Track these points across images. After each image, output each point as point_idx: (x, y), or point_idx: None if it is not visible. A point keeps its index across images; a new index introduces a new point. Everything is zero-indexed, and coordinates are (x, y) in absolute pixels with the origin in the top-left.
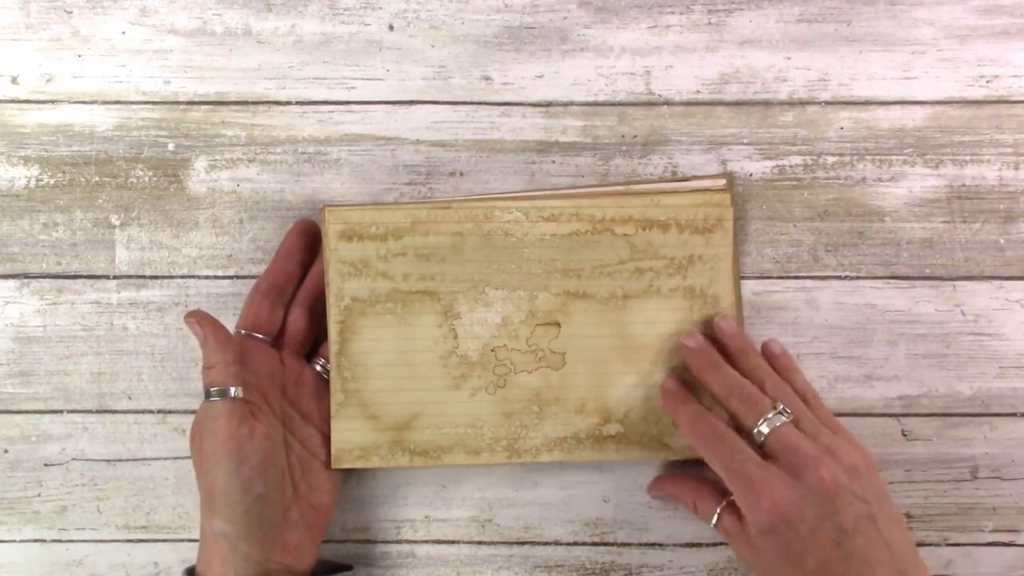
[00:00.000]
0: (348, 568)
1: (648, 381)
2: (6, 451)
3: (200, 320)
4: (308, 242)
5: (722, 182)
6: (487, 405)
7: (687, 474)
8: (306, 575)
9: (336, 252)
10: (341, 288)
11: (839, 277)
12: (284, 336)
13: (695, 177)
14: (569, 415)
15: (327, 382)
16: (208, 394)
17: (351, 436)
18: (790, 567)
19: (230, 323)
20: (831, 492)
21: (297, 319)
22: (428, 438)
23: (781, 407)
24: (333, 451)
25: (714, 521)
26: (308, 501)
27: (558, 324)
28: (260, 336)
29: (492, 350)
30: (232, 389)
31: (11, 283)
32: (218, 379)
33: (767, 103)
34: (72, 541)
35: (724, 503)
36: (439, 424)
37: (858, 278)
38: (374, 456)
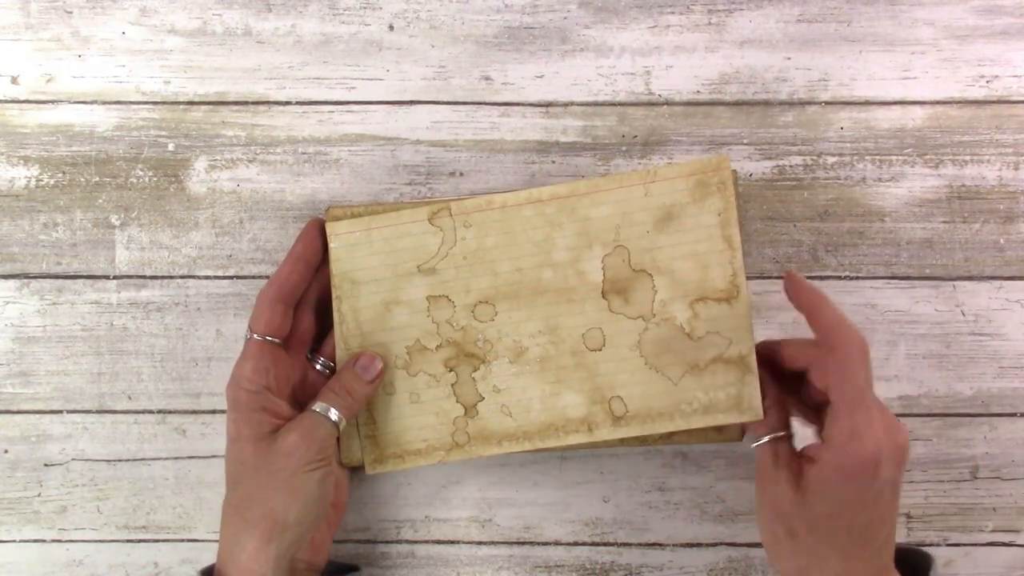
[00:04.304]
0: (355, 569)
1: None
2: (6, 451)
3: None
4: (319, 244)
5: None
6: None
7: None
8: (322, 570)
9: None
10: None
11: (839, 277)
12: (292, 337)
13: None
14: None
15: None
16: (314, 407)
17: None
18: (857, 508)
19: (229, 323)
20: (906, 452)
21: (304, 320)
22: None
23: None
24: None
25: (761, 441)
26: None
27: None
28: (274, 340)
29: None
30: (333, 411)
31: (11, 283)
32: (344, 406)
33: (767, 103)
34: (72, 541)
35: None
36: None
37: (858, 278)
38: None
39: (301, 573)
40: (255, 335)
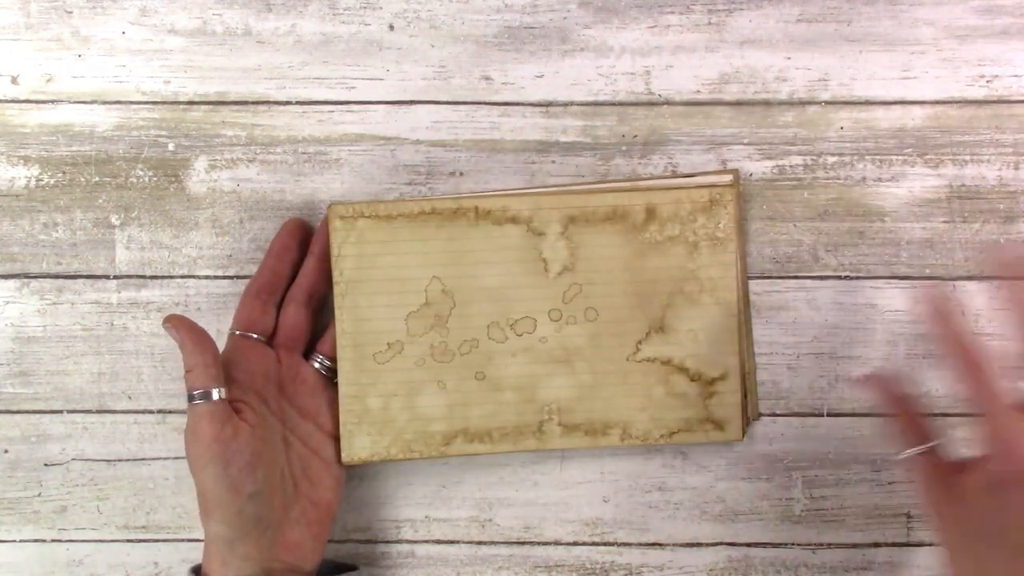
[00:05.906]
0: (353, 568)
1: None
2: (6, 451)
3: (176, 324)
4: (297, 241)
5: (728, 178)
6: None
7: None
8: (312, 574)
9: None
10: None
11: (839, 277)
12: (280, 334)
13: (700, 174)
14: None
15: (325, 378)
16: (191, 398)
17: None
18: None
19: (229, 323)
20: None
21: (290, 317)
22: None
23: None
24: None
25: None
26: (309, 498)
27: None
28: (254, 336)
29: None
30: (215, 391)
31: (11, 283)
32: (199, 382)
33: (767, 103)
34: (72, 541)
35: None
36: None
37: (858, 278)
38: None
39: (281, 573)
40: (236, 332)
